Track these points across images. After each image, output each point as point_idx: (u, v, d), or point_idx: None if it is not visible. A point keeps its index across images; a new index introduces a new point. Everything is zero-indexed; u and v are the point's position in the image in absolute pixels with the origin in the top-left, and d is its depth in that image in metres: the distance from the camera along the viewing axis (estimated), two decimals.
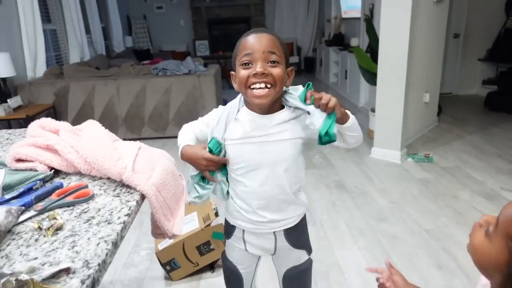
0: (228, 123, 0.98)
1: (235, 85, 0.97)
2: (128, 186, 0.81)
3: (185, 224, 2.02)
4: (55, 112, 3.86)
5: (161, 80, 3.91)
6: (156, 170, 0.85)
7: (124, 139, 3.81)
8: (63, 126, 0.95)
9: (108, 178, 0.85)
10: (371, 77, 3.55)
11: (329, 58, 6.51)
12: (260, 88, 0.89)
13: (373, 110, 3.57)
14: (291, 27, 8.13)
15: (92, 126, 1.03)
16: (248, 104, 0.97)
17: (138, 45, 7.55)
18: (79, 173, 0.90)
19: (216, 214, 1.91)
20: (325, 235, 2.15)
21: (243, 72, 0.91)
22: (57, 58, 4.90)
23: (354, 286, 1.75)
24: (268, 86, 0.89)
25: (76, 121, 4.09)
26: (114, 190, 0.82)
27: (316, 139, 0.91)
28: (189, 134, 1.08)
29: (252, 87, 0.90)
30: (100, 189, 0.83)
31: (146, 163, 0.84)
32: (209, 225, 1.92)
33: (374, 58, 3.40)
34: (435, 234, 2.11)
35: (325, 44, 6.92)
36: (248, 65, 0.90)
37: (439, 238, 2.07)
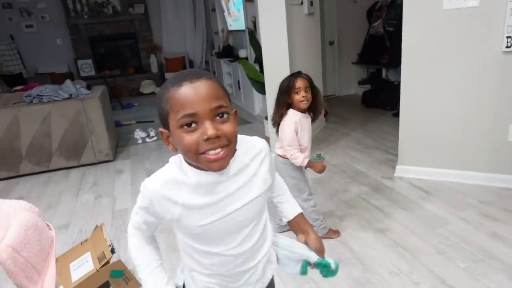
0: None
1: (170, 147, 0.79)
2: None
3: (79, 268, 1.81)
4: None
5: (37, 108, 3.49)
6: (12, 228, 0.72)
7: None
8: None
9: None
10: (261, 87, 3.69)
11: (222, 69, 6.61)
12: (216, 153, 0.73)
13: (267, 118, 3.71)
14: (181, 41, 8.07)
15: None
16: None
17: (7, 69, 6.66)
18: None
19: (113, 251, 1.75)
20: None
21: (188, 139, 0.72)
22: None
23: None
24: (224, 147, 0.75)
25: None
26: None
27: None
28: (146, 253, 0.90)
29: (204, 152, 0.73)
30: None
31: None
32: (107, 263, 1.75)
33: (262, 68, 3.55)
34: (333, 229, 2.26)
35: (216, 56, 7.02)
36: (191, 125, 0.72)
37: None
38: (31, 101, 3.55)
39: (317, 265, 0.88)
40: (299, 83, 1.87)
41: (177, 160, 0.81)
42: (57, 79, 6.22)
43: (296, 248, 0.92)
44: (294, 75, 1.91)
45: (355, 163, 3.24)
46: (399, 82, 2.85)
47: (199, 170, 0.78)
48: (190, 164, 0.79)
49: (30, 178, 3.57)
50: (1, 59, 6.67)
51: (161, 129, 0.79)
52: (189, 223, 0.80)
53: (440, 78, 2.59)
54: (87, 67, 7.51)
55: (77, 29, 7.33)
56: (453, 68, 2.54)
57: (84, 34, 7.40)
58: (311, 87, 1.91)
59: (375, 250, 2.02)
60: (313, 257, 0.90)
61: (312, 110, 1.97)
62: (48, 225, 0.86)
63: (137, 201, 0.84)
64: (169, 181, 0.79)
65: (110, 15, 7.42)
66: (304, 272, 0.90)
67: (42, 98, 3.58)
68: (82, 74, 7.42)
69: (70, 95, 3.65)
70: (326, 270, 0.88)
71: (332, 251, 2.04)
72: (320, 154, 3.49)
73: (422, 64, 2.63)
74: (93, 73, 7.45)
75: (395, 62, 4.36)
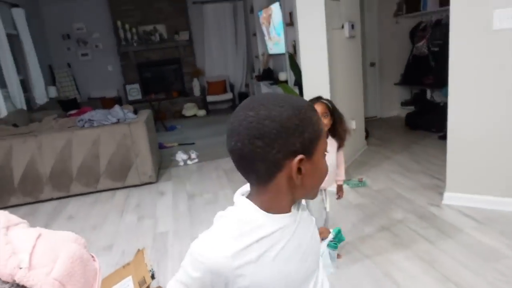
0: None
1: (299, 179, 0.64)
2: (24, 286, 0.71)
3: None
4: None
5: (88, 132, 3.71)
6: (59, 260, 0.75)
7: (51, 199, 3.46)
8: None
9: None
10: None
11: (261, 92, 6.71)
12: None
13: None
14: (222, 65, 8.31)
15: None
16: (271, 204, 0.67)
17: (63, 95, 7.18)
18: None
19: (153, 277, 1.78)
20: None
21: (325, 163, 0.70)
22: None
23: None
24: None
25: None
26: None
27: None
28: None
29: None
30: None
31: (47, 254, 0.75)
32: None
33: (302, 91, 3.56)
34: (376, 259, 2.16)
35: (256, 79, 7.14)
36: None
37: (380, 263, 2.12)
38: (83, 125, 3.79)
39: (335, 237, 0.97)
40: (316, 108, 1.82)
41: (251, 208, 0.68)
42: (107, 103, 6.60)
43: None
44: (313, 100, 1.86)
45: (398, 188, 3.10)
46: (444, 103, 2.74)
47: (278, 214, 0.68)
48: (270, 210, 0.67)
49: (79, 198, 3.76)
50: (59, 86, 7.21)
51: (302, 157, 0.63)
52: (265, 281, 0.67)
53: (490, 100, 2.46)
54: (134, 91, 7.92)
55: (127, 56, 7.80)
56: (504, 90, 2.39)
57: (133, 60, 7.85)
58: (332, 112, 1.86)
59: (422, 283, 1.90)
60: (329, 237, 0.99)
61: (334, 136, 1.92)
62: (92, 257, 0.89)
63: (187, 266, 0.68)
64: (242, 244, 0.65)
65: (157, 42, 7.81)
66: (335, 247, 0.98)
67: (93, 123, 3.80)
68: (130, 98, 7.82)
69: (118, 119, 3.85)
70: (341, 234, 0.97)
71: (375, 282, 1.94)
72: (362, 178, 3.41)
73: (471, 86, 2.50)
74: (140, 97, 7.83)
75: (441, 82, 4.20)
